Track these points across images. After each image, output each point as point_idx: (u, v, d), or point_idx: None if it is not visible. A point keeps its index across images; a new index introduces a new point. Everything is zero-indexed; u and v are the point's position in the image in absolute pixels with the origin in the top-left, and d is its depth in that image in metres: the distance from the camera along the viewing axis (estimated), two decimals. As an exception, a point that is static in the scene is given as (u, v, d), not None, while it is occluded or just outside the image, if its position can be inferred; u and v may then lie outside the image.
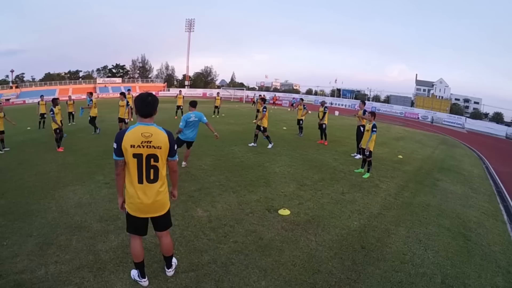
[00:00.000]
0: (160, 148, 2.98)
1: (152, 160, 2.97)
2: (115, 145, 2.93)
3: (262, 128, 11.31)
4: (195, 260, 3.94)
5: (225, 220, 5.18)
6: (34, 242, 4.21)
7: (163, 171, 3.11)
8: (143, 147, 2.92)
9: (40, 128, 15.78)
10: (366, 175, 8.41)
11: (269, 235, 4.74)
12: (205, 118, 7.82)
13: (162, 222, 3.27)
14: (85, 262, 3.79)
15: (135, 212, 3.06)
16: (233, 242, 4.46)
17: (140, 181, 2.99)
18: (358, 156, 10.46)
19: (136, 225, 3.14)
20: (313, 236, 4.80)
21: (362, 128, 10.09)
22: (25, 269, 3.60)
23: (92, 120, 13.98)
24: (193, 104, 7.90)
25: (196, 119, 7.79)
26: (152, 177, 3.02)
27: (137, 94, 3.13)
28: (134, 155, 2.91)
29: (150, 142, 2.93)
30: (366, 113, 9.71)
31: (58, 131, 10.38)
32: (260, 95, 11.39)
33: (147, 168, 2.98)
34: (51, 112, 10.31)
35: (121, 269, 3.67)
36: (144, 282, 3.37)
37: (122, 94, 13.89)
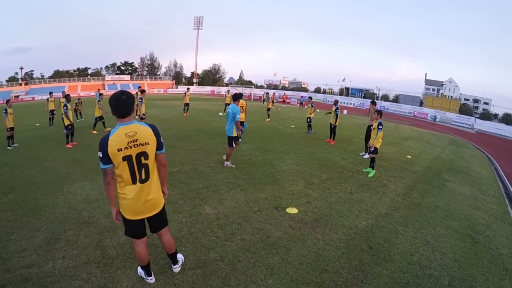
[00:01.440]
0: (148, 144, 2.89)
1: (142, 158, 2.88)
2: (100, 154, 2.78)
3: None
4: (202, 257, 3.94)
5: (233, 217, 5.17)
6: (42, 237, 4.26)
7: (154, 170, 3.04)
8: (131, 147, 2.81)
9: (50, 124, 15.89)
10: (372, 173, 8.37)
11: (277, 234, 4.72)
12: (238, 116, 7.72)
13: (158, 222, 3.20)
14: (92, 257, 3.83)
15: (129, 214, 2.98)
16: (240, 240, 4.45)
17: (134, 181, 2.89)
18: (367, 156, 10.38)
19: (133, 228, 3.06)
20: (320, 235, 4.77)
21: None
22: (33, 263, 3.65)
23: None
24: (234, 97, 8.14)
25: (230, 111, 7.78)
26: (143, 177, 2.93)
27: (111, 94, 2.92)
28: (124, 158, 2.80)
29: (136, 140, 2.82)
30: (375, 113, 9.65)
31: (70, 127, 10.47)
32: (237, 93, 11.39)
33: (139, 168, 2.88)
34: (65, 108, 10.41)
35: (128, 265, 3.69)
36: (151, 280, 3.38)
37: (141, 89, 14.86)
